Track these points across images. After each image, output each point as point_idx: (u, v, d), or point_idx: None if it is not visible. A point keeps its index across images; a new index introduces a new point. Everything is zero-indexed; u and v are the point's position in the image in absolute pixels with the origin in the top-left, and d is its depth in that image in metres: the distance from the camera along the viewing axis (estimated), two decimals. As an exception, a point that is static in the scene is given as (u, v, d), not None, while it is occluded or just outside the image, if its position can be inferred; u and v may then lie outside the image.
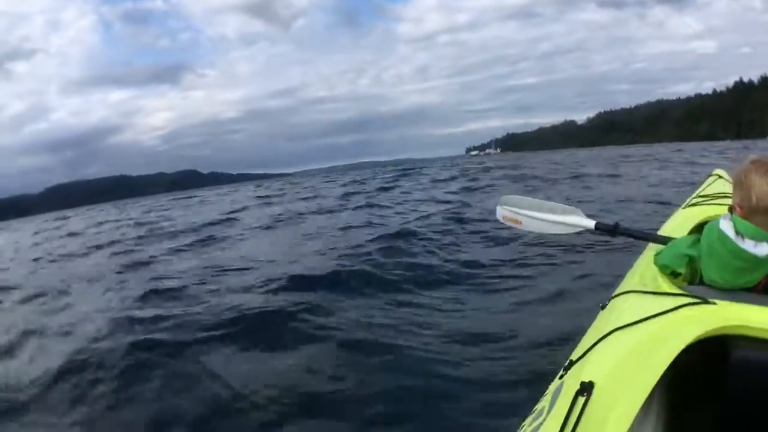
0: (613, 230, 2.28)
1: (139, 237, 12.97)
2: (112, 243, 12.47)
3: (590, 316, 1.73)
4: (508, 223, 2.68)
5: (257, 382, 3.22)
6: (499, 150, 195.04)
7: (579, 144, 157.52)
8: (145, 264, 8.23)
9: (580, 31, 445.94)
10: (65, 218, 34.08)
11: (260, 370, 3.41)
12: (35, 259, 11.63)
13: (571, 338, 1.93)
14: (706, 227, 1.56)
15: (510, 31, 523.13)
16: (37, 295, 6.95)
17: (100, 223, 22.07)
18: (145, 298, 5.56)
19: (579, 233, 2.45)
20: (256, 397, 3.06)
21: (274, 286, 5.27)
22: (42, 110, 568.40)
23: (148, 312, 4.92)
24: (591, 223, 2.37)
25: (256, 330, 4.08)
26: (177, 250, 9.33)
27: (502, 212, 2.70)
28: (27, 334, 5.04)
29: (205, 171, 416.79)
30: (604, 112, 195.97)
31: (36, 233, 22.53)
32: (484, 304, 4.30)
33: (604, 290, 2.41)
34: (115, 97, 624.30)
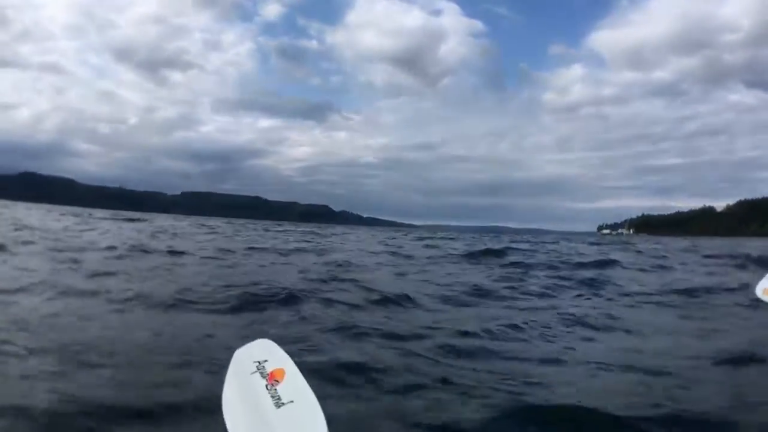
0: None
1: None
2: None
3: None
4: (766, 297, 2.11)
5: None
6: (632, 231, 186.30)
7: (715, 231, 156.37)
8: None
9: (727, 112, 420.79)
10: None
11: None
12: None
13: None
14: None
15: (655, 108, 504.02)
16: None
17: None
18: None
19: None
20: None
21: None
22: (192, 121, 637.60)
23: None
24: None
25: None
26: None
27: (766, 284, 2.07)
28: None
29: (336, 209, 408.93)
30: (746, 200, 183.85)
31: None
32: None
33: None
34: (263, 123, 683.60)
